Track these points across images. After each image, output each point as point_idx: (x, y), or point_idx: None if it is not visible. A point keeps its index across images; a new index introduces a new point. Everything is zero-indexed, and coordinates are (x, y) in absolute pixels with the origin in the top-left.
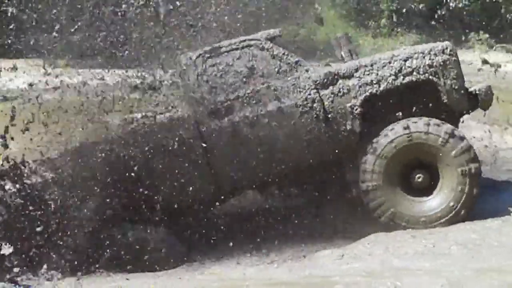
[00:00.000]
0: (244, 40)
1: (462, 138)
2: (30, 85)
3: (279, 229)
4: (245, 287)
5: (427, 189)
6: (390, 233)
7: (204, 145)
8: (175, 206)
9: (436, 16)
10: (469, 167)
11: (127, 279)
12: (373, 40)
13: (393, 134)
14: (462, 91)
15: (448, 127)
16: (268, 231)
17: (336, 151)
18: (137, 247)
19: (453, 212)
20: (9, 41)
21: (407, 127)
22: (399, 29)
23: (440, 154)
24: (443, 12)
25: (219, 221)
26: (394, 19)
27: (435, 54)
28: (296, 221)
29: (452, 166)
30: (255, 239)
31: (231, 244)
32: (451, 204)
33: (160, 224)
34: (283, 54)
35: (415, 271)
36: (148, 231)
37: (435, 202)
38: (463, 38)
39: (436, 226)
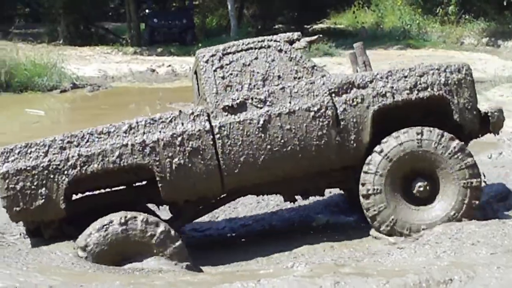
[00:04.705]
0: (263, 40)
1: (470, 155)
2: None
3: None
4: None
5: (424, 198)
6: (458, 223)
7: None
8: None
9: (505, 4)
10: (471, 181)
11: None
12: (441, 27)
13: (404, 137)
14: (475, 112)
15: (458, 141)
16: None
17: (344, 159)
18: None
19: (454, 221)
20: (79, 29)
21: (420, 133)
22: (467, 17)
23: (445, 165)
24: None
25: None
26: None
27: (451, 72)
28: None
29: (456, 179)
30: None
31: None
32: (452, 213)
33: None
34: (300, 57)
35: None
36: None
37: (436, 211)
38: None
39: None
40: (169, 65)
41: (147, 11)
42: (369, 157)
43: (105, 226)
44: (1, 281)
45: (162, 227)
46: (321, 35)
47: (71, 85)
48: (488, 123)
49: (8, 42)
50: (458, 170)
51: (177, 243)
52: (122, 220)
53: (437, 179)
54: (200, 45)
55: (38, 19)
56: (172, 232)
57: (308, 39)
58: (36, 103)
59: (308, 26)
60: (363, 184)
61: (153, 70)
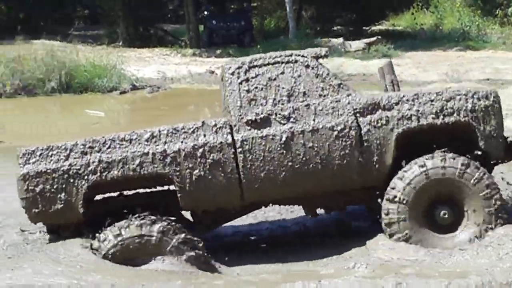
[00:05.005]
0: (291, 55)
1: (493, 182)
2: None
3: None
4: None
5: (446, 225)
6: None
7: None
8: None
9: None
10: (496, 209)
11: None
12: (501, 28)
13: (429, 164)
14: (500, 140)
15: (483, 169)
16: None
17: (366, 180)
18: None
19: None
20: (138, 31)
21: (444, 160)
22: None
23: (469, 193)
24: None
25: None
26: None
27: (479, 99)
28: None
29: (480, 206)
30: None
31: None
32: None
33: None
34: (327, 75)
35: None
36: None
37: (461, 238)
38: None
39: None
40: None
41: (205, 13)
42: (407, 167)
43: (121, 230)
44: (56, 278)
45: (179, 235)
46: (379, 37)
47: (130, 87)
48: None
49: (68, 44)
50: (483, 199)
51: (194, 251)
52: (139, 225)
53: (462, 207)
54: (258, 46)
55: (97, 21)
56: (190, 239)
57: (366, 40)
58: (96, 104)
59: (367, 28)
60: (393, 188)
61: (212, 72)
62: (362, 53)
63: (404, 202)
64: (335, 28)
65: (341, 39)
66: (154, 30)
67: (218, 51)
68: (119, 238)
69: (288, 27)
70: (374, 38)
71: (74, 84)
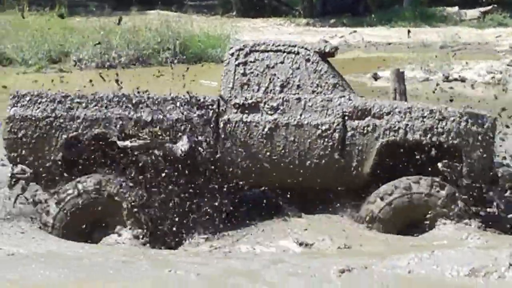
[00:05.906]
0: (294, 46)
1: (461, 199)
2: None
3: None
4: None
5: None
6: None
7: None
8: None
9: None
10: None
11: None
12: None
13: (415, 188)
14: (486, 168)
15: (448, 188)
16: None
17: (341, 183)
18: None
19: None
20: (252, 1)
21: (409, 188)
22: None
23: (439, 214)
24: None
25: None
26: None
27: (473, 123)
28: None
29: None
30: None
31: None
32: None
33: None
34: (325, 72)
35: None
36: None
37: None
38: None
39: None
40: (342, 36)
41: None
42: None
43: (79, 186)
44: None
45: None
46: (495, 5)
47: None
48: (498, 183)
49: (182, 14)
50: (451, 218)
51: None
52: (96, 182)
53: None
54: (372, 15)
55: None
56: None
57: (482, 9)
58: (210, 74)
59: None
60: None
61: (326, 42)
62: (477, 22)
63: (378, 220)
64: None
65: (456, 8)
66: (268, 0)
67: (332, 21)
68: (77, 191)
69: None
70: (490, 7)
71: (188, 54)
